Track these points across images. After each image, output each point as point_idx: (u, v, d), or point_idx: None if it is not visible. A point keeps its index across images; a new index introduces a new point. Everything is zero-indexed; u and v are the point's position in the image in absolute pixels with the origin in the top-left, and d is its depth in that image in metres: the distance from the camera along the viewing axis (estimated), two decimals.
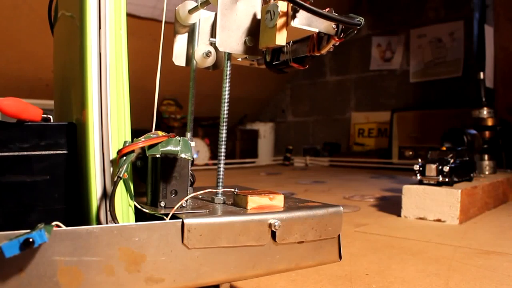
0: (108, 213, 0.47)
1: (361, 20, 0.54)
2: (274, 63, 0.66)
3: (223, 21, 0.58)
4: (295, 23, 0.54)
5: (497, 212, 1.50)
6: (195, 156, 3.31)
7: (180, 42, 0.68)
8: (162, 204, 0.54)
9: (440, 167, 1.33)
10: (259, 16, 0.60)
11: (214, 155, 3.43)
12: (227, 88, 0.60)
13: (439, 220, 1.31)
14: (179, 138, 0.53)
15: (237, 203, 0.58)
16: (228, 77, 0.61)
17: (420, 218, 1.34)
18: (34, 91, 2.76)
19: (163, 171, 0.54)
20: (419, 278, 0.78)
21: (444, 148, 1.44)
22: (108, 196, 0.48)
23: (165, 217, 0.49)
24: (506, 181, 1.74)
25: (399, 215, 1.39)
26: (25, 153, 0.49)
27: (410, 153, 3.22)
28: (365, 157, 3.47)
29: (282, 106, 4.41)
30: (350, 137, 3.86)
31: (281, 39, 0.55)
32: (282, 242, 0.54)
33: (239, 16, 0.59)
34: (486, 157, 1.85)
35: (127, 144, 0.48)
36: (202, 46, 0.66)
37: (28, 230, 0.39)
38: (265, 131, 4.04)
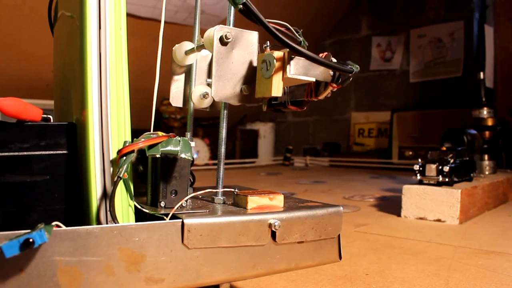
0: (108, 213, 0.47)
1: (357, 68, 0.55)
2: (272, 102, 0.66)
3: (219, 71, 0.56)
4: (291, 73, 0.53)
5: (497, 212, 1.50)
6: (195, 156, 3.31)
7: (177, 82, 0.67)
8: (162, 204, 0.54)
9: (440, 167, 1.33)
10: (255, 64, 0.59)
11: (214, 155, 3.43)
12: (224, 127, 0.61)
13: (439, 220, 1.31)
14: (179, 138, 0.53)
15: (237, 203, 0.58)
16: (225, 121, 0.61)
17: (420, 218, 1.34)
18: (34, 91, 2.76)
19: (163, 171, 0.54)
20: (419, 278, 0.78)
21: (444, 148, 1.44)
22: (108, 196, 0.48)
23: (165, 217, 0.49)
24: (506, 181, 1.74)
25: (399, 215, 1.39)
26: (25, 153, 0.49)
27: (410, 153, 3.22)
28: (365, 157, 3.47)
29: None
30: (350, 137, 3.86)
31: (277, 90, 0.54)
32: (282, 242, 0.54)
33: (235, 65, 0.58)
34: (486, 157, 1.85)
35: (127, 144, 0.48)
36: (199, 87, 0.65)
37: (28, 230, 0.39)
38: (265, 131, 4.04)
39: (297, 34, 0.60)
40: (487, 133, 1.91)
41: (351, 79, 0.57)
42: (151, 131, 0.54)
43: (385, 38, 3.66)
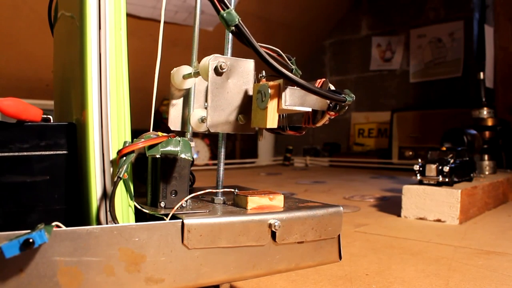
0: (108, 213, 0.47)
1: (352, 98, 0.54)
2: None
3: (214, 101, 0.56)
4: (286, 104, 0.53)
5: (497, 212, 1.50)
6: (195, 156, 3.31)
7: (176, 105, 0.67)
8: (162, 204, 0.54)
9: (440, 167, 1.33)
10: (251, 93, 0.58)
11: (214, 155, 3.43)
12: (222, 160, 0.60)
13: (439, 220, 1.31)
14: (179, 139, 0.53)
15: (237, 203, 0.58)
16: (223, 149, 0.61)
17: (420, 218, 1.34)
18: (34, 91, 2.76)
19: (163, 171, 0.54)
20: (419, 278, 0.78)
21: (444, 148, 1.44)
22: (108, 196, 0.48)
23: (165, 218, 0.49)
24: (506, 181, 1.74)
25: (399, 215, 1.39)
26: (25, 153, 0.49)
27: (410, 153, 3.22)
28: (365, 157, 3.47)
29: None
30: (350, 137, 3.86)
31: (272, 122, 0.53)
32: (282, 242, 0.54)
33: (230, 94, 0.57)
34: (486, 157, 1.85)
35: (127, 145, 0.48)
36: (197, 111, 0.64)
37: (28, 231, 0.39)
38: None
39: (289, 62, 0.59)
40: (487, 133, 1.91)
41: (347, 108, 0.56)
42: (151, 132, 0.54)
43: (385, 38, 3.66)
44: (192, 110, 0.65)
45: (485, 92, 1.98)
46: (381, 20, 3.70)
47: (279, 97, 0.53)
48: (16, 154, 0.48)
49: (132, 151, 0.48)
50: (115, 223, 0.47)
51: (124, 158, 0.48)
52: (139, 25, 2.69)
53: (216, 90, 0.56)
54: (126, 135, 0.50)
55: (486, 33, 2.56)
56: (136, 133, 0.52)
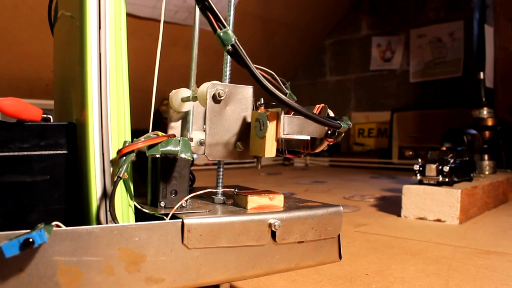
0: (108, 213, 0.47)
1: (349, 125, 0.55)
2: None
3: (212, 128, 0.55)
4: (285, 133, 0.53)
5: (497, 212, 1.50)
6: (195, 156, 3.31)
7: (174, 128, 0.67)
8: (162, 204, 0.54)
9: (440, 167, 1.33)
10: (249, 120, 0.58)
11: None
12: (220, 180, 0.60)
13: (439, 220, 1.31)
14: (179, 138, 0.53)
15: (237, 203, 0.58)
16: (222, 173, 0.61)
17: (420, 218, 1.34)
18: (34, 91, 2.76)
19: (163, 171, 0.54)
20: (419, 278, 0.78)
21: (444, 148, 1.44)
22: (108, 196, 0.48)
23: (165, 217, 0.49)
24: (506, 181, 1.74)
25: (399, 215, 1.39)
26: (25, 153, 0.49)
27: (410, 153, 3.22)
28: (365, 157, 3.47)
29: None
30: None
31: (270, 151, 0.53)
32: (282, 242, 0.54)
33: (228, 121, 0.56)
34: (486, 157, 1.85)
35: (127, 144, 0.48)
36: (196, 133, 0.64)
37: (28, 230, 0.40)
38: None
39: (283, 86, 0.59)
40: (487, 133, 1.91)
41: (343, 134, 0.56)
42: (150, 132, 0.54)
43: (385, 38, 3.66)
44: (191, 132, 0.65)
45: (485, 92, 1.98)
46: (381, 20, 3.70)
47: (277, 125, 0.53)
48: (16, 154, 0.48)
49: (132, 151, 0.48)
50: (115, 223, 0.47)
51: (124, 157, 0.48)
52: (139, 25, 2.69)
53: (214, 117, 0.56)
54: (126, 135, 0.50)
55: (486, 33, 2.56)
56: (136, 133, 0.52)
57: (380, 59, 3.70)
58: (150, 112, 0.58)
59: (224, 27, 0.48)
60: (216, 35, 0.49)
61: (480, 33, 3.07)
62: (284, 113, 0.53)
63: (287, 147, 0.60)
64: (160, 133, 0.52)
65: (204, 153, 0.58)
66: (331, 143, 0.56)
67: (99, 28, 0.48)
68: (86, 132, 0.48)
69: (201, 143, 0.63)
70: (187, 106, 0.65)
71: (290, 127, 0.53)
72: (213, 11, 0.48)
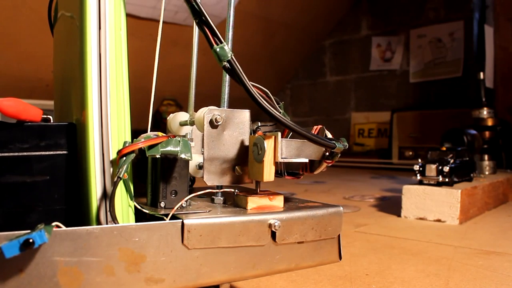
0: (108, 213, 0.47)
1: (345, 146, 0.54)
2: None
3: (210, 154, 0.55)
4: (283, 157, 0.53)
5: (497, 212, 1.50)
6: None
7: None
8: (162, 204, 0.54)
9: (440, 167, 1.33)
10: (247, 143, 0.58)
11: None
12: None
13: (439, 220, 1.31)
14: (179, 139, 0.53)
15: (237, 204, 0.58)
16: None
17: (420, 218, 1.34)
18: (34, 92, 2.76)
19: (163, 171, 0.54)
20: (419, 278, 0.78)
21: (444, 148, 1.44)
22: (108, 197, 0.48)
23: (165, 218, 0.49)
24: (506, 181, 1.74)
25: (399, 215, 1.39)
26: (25, 153, 0.49)
27: (410, 153, 3.22)
28: (365, 157, 3.47)
29: None
30: (350, 137, 3.86)
31: (269, 176, 0.53)
32: (282, 243, 0.54)
33: (226, 146, 0.56)
34: (486, 157, 1.85)
35: (127, 145, 0.48)
36: (194, 156, 0.63)
37: (28, 231, 0.39)
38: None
39: (277, 106, 0.59)
40: (487, 133, 1.91)
41: (339, 155, 0.56)
42: (149, 132, 0.54)
43: (385, 38, 3.67)
44: None
45: (485, 92, 1.98)
46: (381, 20, 3.70)
47: (275, 149, 0.53)
48: (16, 154, 0.48)
49: (132, 151, 0.48)
50: (115, 223, 0.47)
51: (124, 158, 0.48)
52: (139, 25, 2.69)
53: (212, 143, 0.56)
54: (126, 135, 0.50)
55: (486, 33, 2.56)
56: (136, 133, 0.52)
57: (380, 59, 3.70)
58: (149, 112, 0.59)
59: (221, 42, 0.48)
60: (212, 50, 0.48)
61: (480, 33, 3.07)
62: (280, 133, 0.54)
63: (286, 168, 0.60)
64: (160, 134, 0.52)
65: (202, 177, 0.58)
66: (329, 165, 0.56)
67: (99, 28, 0.48)
68: (86, 132, 0.48)
69: (200, 167, 0.63)
70: (185, 130, 0.66)
71: (288, 150, 0.53)
72: (209, 25, 0.48)
